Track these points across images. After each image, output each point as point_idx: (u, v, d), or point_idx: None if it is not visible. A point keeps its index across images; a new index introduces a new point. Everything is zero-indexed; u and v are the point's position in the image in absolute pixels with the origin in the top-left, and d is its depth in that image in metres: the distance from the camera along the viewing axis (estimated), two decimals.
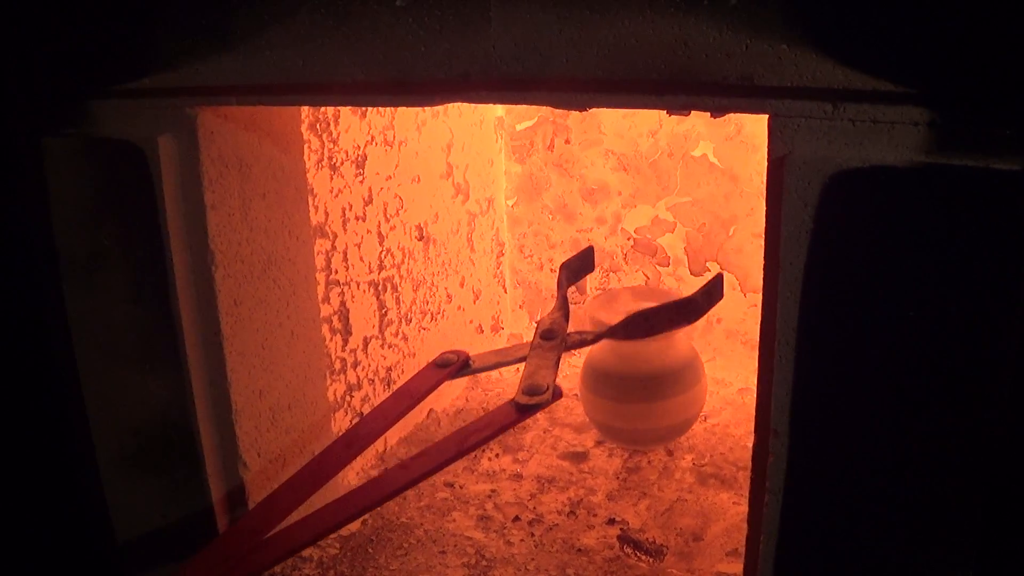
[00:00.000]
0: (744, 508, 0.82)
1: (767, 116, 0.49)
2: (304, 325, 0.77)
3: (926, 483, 0.49)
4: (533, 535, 0.79)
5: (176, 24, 0.60)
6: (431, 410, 1.00)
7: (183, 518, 0.73)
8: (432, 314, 0.99)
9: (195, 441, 0.70)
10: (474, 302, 1.08)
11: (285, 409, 0.76)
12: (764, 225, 0.52)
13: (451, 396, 1.04)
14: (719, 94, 0.49)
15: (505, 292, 1.15)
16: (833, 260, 0.48)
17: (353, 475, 0.88)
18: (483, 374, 1.07)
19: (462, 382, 1.06)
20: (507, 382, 1.08)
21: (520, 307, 1.17)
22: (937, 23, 0.44)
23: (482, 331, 1.10)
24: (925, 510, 0.49)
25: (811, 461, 0.51)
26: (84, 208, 0.68)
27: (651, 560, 0.74)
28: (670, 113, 0.56)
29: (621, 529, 0.79)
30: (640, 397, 0.88)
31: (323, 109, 0.78)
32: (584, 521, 0.81)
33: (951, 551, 0.50)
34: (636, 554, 0.75)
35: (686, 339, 0.92)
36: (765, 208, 0.52)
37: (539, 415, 0.99)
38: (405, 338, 0.94)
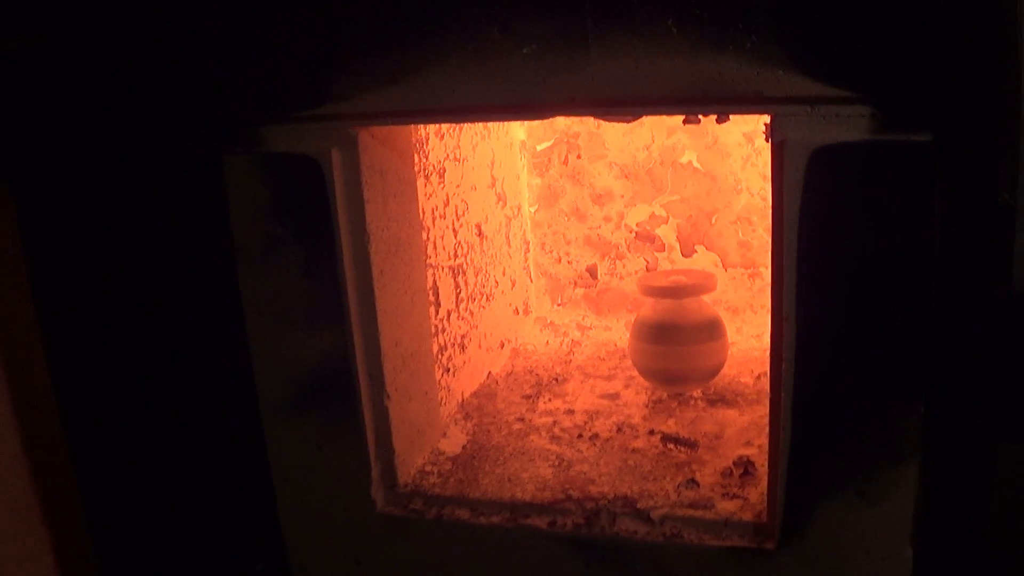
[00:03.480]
0: (747, 418, 1.09)
1: (769, 116, 0.77)
2: (419, 294, 1.02)
3: (887, 366, 0.77)
4: (595, 444, 1.05)
5: (351, 67, 0.85)
6: (489, 372, 1.25)
7: (337, 447, 0.97)
8: (487, 296, 1.24)
9: (353, 380, 0.94)
10: (512, 288, 1.34)
11: (410, 356, 1.00)
12: (770, 194, 0.80)
13: (501, 363, 1.29)
14: (739, 103, 0.77)
15: (531, 281, 1.42)
16: (817, 205, 0.76)
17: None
18: (523, 346, 1.33)
19: (507, 352, 1.32)
20: (541, 354, 1.33)
21: (544, 294, 1.43)
22: (873, 58, 0.72)
23: (518, 313, 1.37)
24: (887, 386, 0.77)
25: (810, 334, 0.79)
26: (260, 208, 0.92)
27: (688, 450, 1.01)
28: (704, 116, 0.84)
29: (662, 434, 1.05)
30: (682, 341, 1.14)
31: (420, 133, 1.04)
32: (630, 434, 1.07)
33: (904, 408, 0.77)
34: (676, 447, 1.02)
35: (708, 303, 1.20)
36: (771, 176, 0.80)
37: (574, 371, 1.26)
38: (471, 313, 1.20)
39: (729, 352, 1.19)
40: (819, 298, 0.78)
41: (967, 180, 0.73)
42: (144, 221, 0.96)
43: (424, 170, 1.06)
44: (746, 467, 0.95)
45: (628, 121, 0.92)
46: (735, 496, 0.91)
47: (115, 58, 0.92)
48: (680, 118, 1.25)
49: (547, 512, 0.94)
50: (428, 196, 1.07)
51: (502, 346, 1.30)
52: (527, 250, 1.39)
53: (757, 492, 0.92)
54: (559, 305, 1.42)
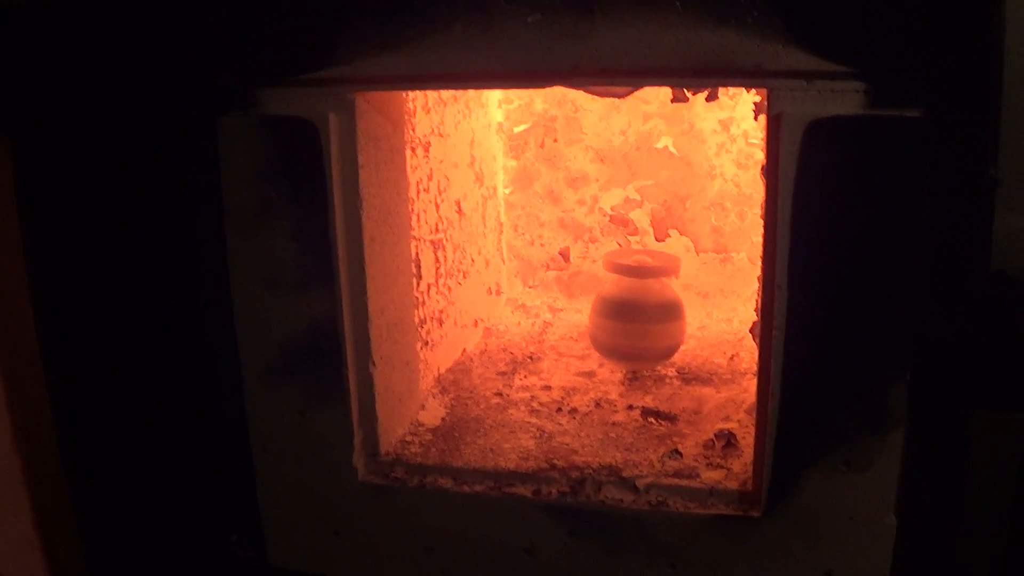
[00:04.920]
0: (724, 395, 1.11)
1: (766, 90, 0.80)
2: (404, 264, 1.02)
3: (876, 335, 0.79)
4: (575, 418, 1.06)
5: (355, 31, 0.85)
6: (464, 349, 1.26)
7: (320, 413, 0.96)
8: (464, 273, 1.25)
9: (340, 345, 0.93)
10: (486, 267, 1.34)
11: (394, 325, 1.00)
12: (765, 161, 0.82)
13: (474, 342, 1.30)
14: (739, 76, 0.79)
15: (504, 263, 1.42)
16: (811, 176, 0.78)
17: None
18: (495, 326, 1.34)
19: (480, 331, 1.32)
20: (514, 334, 1.34)
21: (515, 276, 1.44)
22: (869, 35, 0.75)
23: (491, 293, 1.37)
24: (875, 354, 0.80)
25: (801, 303, 0.81)
26: (253, 171, 0.91)
27: (668, 423, 1.03)
28: (704, 88, 0.86)
29: (641, 408, 1.07)
30: (642, 320, 1.16)
31: (408, 106, 1.04)
32: (609, 409, 1.08)
33: (891, 377, 0.80)
34: (657, 421, 1.03)
35: (671, 285, 1.22)
36: (765, 148, 0.82)
37: (547, 350, 1.27)
38: (449, 289, 1.20)
39: (686, 334, 1.21)
40: (811, 267, 0.80)
41: (955, 155, 0.76)
42: (135, 181, 0.95)
43: (411, 143, 1.05)
44: (728, 439, 0.97)
45: (625, 95, 0.93)
46: (719, 466, 0.93)
47: (115, 17, 0.90)
48: (658, 103, 1.28)
49: (531, 481, 0.94)
50: (414, 169, 1.07)
51: (476, 324, 1.30)
52: (501, 231, 1.40)
53: (740, 463, 0.94)
54: (530, 287, 1.43)
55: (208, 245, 0.95)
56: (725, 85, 0.80)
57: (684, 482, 0.91)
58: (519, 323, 1.37)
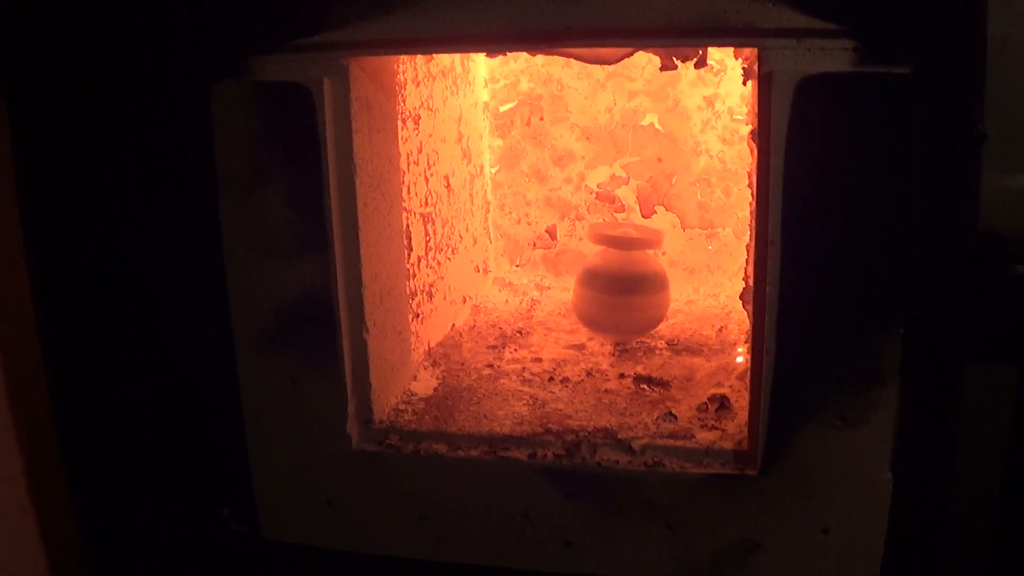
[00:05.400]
0: (715, 364, 1.12)
1: (757, 49, 0.81)
2: (396, 232, 1.02)
3: (869, 288, 0.80)
4: (567, 386, 1.06)
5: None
6: (453, 324, 1.26)
7: (314, 381, 0.96)
8: (453, 248, 1.25)
9: (334, 311, 0.93)
10: (473, 245, 1.34)
11: (387, 293, 1.00)
12: (756, 122, 0.83)
13: (463, 318, 1.30)
14: (731, 35, 0.80)
15: (490, 242, 1.43)
16: (803, 132, 0.80)
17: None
18: (483, 303, 1.34)
19: (468, 308, 1.32)
20: (502, 311, 1.34)
21: (502, 255, 1.45)
22: None
23: (479, 271, 1.37)
24: (869, 308, 0.81)
25: (795, 258, 0.82)
26: (247, 137, 0.90)
27: (661, 389, 1.04)
28: (696, 48, 0.87)
29: (634, 375, 1.07)
30: (627, 292, 1.17)
31: (399, 77, 1.04)
32: (600, 378, 1.09)
33: (885, 330, 0.81)
34: (649, 387, 1.04)
35: (655, 258, 1.23)
36: (757, 107, 0.83)
37: (536, 326, 1.27)
38: (439, 263, 1.20)
39: (670, 307, 1.22)
40: (804, 222, 0.81)
41: (944, 111, 0.78)
42: (128, 147, 0.94)
43: (402, 114, 1.06)
44: (721, 402, 0.98)
45: (615, 61, 0.94)
46: (713, 428, 0.94)
47: None
48: (643, 80, 1.29)
49: (526, 444, 0.95)
50: (404, 141, 1.07)
51: (464, 301, 1.30)
52: (487, 210, 1.40)
53: (734, 425, 0.94)
54: (517, 266, 1.44)
55: (201, 213, 0.95)
56: (717, 44, 0.82)
57: (679, 443, 0.92)
58: (507, 301, 1.37)
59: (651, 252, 1.21)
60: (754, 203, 0.85)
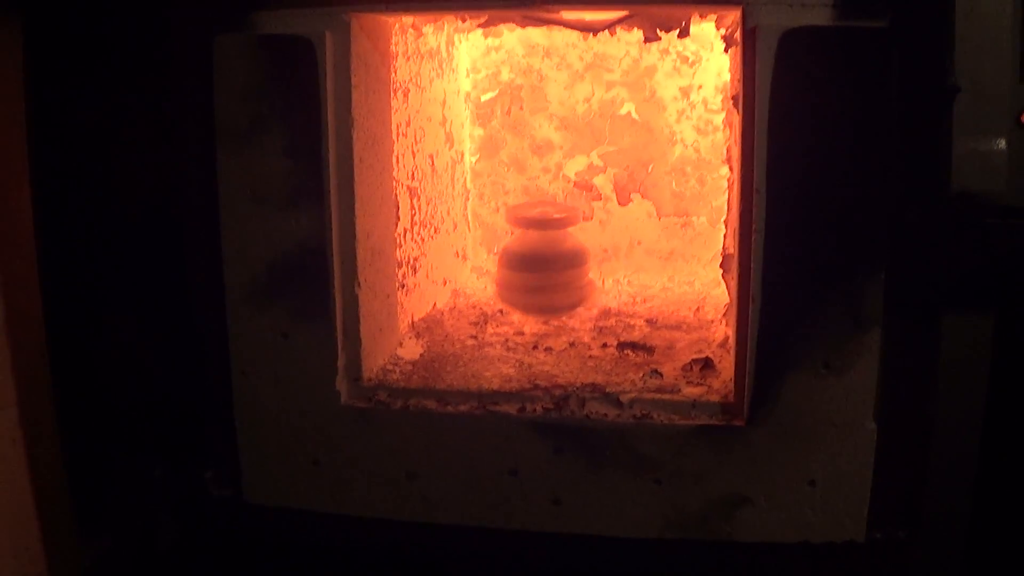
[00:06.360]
0: (695, 336, 1.15)
1: (742, 7, 0.85)
2: (387, 194, 1.04)
3: (852, 234, 0.84)
4: (552, 354, 1.08)
5: None
6: (434, 304, 1.27)
7: (304, 334, 0.96)
8: (435, 228, 1.26)
9: (328, 263, 0.94)
10: (454, 230, 1.36)
11: (378, 253, 1.01)
12: (740, 83, 0.87)
13: (444, 299, 1.31)
14: None
15: (469, 230, 1.44)
16: (787, 84, 0.84)
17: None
18: (463, 286, 1.36)
19: (449, 291, 1.33)
20: (482, 295, 1.36)
21: (480, 244, 1.46)
22: None
23: (458, 256, 1.39)
24: (852, 254, 0.84)
25: (779, 205, 0.85)
26: (248, 88, 0.92)
27: (645, 354, 1.06)
28: (681, 7, 0.91)
29: (618, 342, 1.09)
30: (549, 270, 1.21)
31: (392, 48, 1.06)
32: (584, 347, 1.11)
33: (868, 276, 0.85)
34: (634, 352, 1.06)
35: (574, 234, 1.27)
36: (741, 62, 0.87)
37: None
38: (423, 239, 1.21)
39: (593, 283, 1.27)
40: (788, 170, 0.85)
41: (917, 64, 0.82)
42: (129, 95, 0.95)
43: (393, 84, 1.08)
44: (705, 362, 1.00)
45: (600, 28, 0.98)
46: (699, 384, 0.96)
47: None
48: (621, 71, 1.33)
49: (516, 399, 0.96)
50: (395, 111, 1.09)
51: (444, 284, 1.32)
52: (467, 198, 1.43)
53: (719, 381, 0.97)
54: (495, 254, 1.45)
55: (197, 163, 0.95)
56: (703, 2, 0.86)
57: (667, 396, 0.94)
58: (485, 287, 1.39)
59: (570, 230, 1.25)
60: (740, 151, 0.89)
